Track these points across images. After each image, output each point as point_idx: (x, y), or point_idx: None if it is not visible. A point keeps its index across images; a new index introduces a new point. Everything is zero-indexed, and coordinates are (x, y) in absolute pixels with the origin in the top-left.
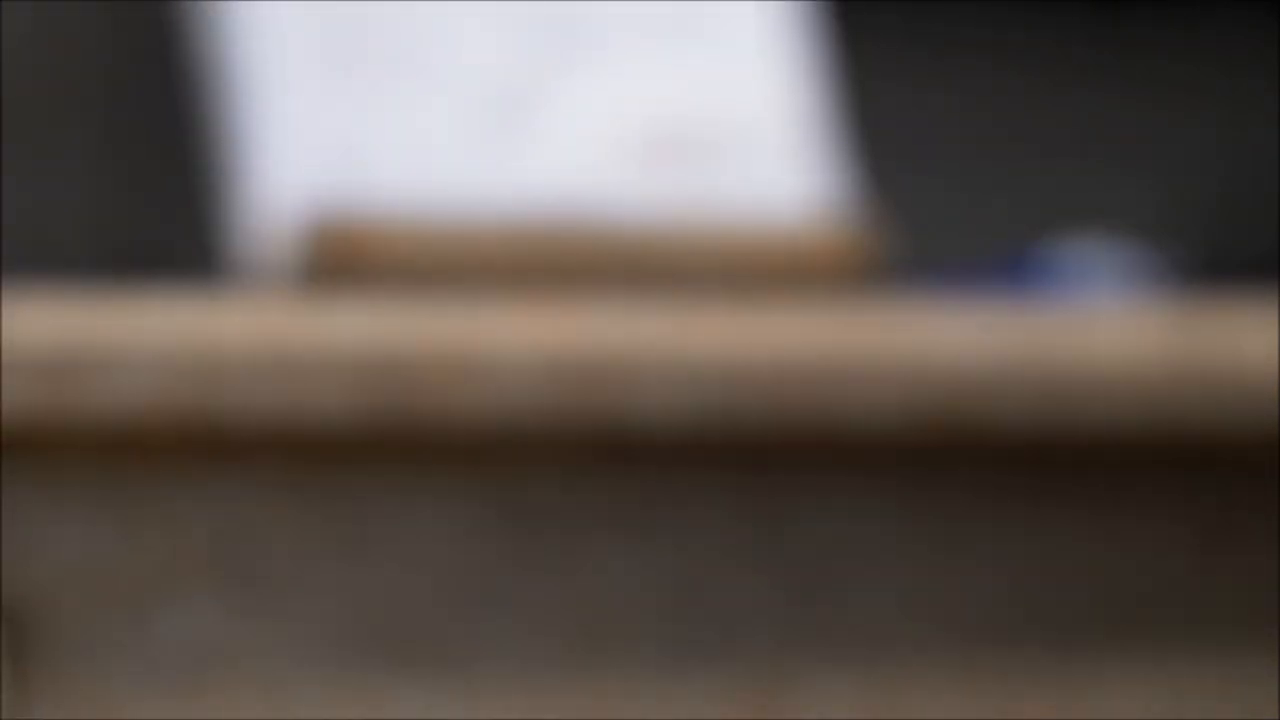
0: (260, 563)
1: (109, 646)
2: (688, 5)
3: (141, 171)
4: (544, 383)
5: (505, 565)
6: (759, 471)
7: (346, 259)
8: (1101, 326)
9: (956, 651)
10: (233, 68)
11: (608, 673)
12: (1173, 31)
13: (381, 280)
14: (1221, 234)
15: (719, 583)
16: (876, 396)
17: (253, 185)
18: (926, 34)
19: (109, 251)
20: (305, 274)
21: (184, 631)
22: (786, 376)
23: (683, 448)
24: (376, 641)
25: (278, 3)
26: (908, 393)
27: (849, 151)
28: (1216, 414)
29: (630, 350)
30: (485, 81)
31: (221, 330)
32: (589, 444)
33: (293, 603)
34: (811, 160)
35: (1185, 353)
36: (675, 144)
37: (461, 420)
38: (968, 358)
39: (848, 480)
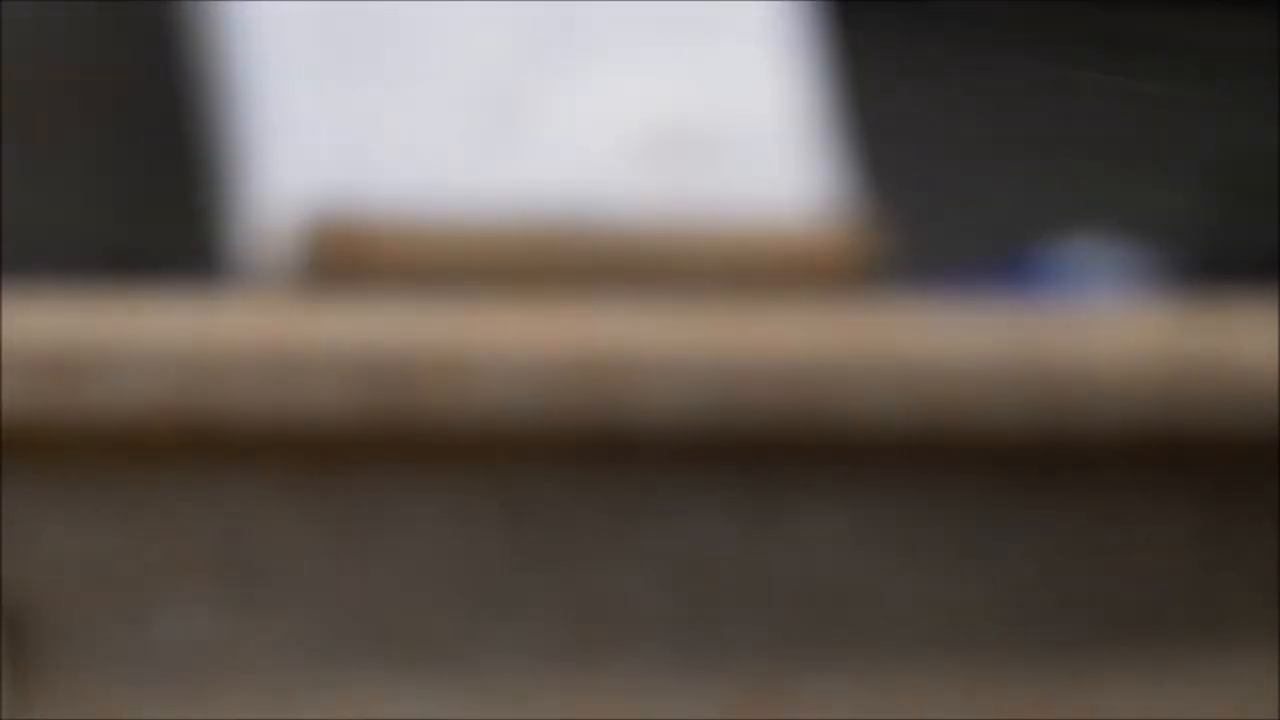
0: (260, 563)
1: (109, 646)
2: (688, 5)
3: (141, 171)
4: (544, 383)
5: (505, 565)
6: (759, 471)
7: (346, 259)
8: (1101, 326)
9: (956, 652)
10: (233, 68)
11: (607, 672)
12: (1172, 32)
13: (381, 280)
14: (1221, 234)
15: (718, 582)
16: (876, 396)
17: (253, 185)
18: (926, 34)
19: (109, 251)
20: (305, 274)
21: (184, 631)
22: (786, 376)
23: (683, 447)
24: (376, 641)
25: (278, 3)
26: (907, 393)
27: (849, 151)
28: (1216, 414)
29: (630, 350)
30: (485, 82)
31: (221, 330)
32: (589, 444)
33: (293, 603)
34: (811, 160)
35: (1185, 353)
36: (675, 144)
37: (461, 420)
38: (967, 358)
39: (847, 480)
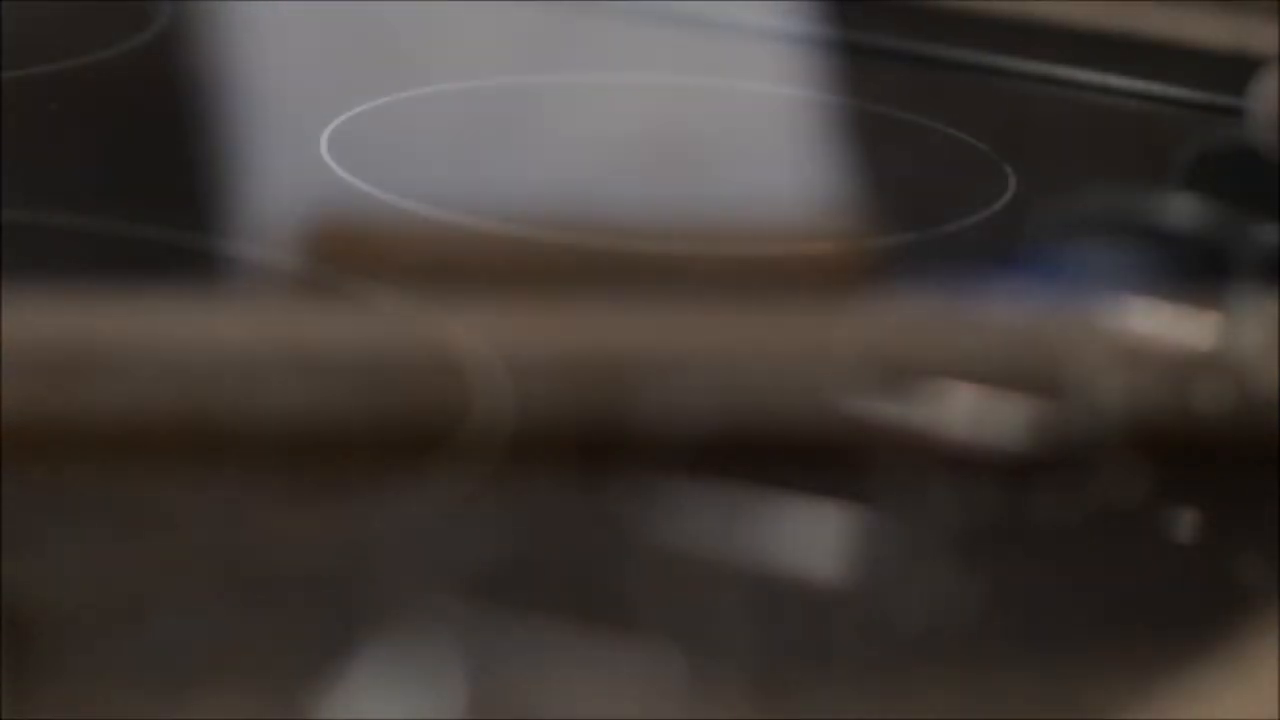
0: (260, 563)
1: (109, 646)
2: (689, 6)
3: (141, 171)
4: (544, 383)
5: (506, 565)
6: (758, 472)
7: (347, 259)
8: (1100, 326)
9: (957, 652)
10: (233, 67)
11: (607, 673)
12: (1170, 30)
13: (382, 280)
14: (1219, 233)
15: (718, 583)
16: (875, 396)
17: (253, 185)
18: (926, 34)
19: (109, 251)
20: (305, 274)
21: (184, 631)
22: (785, 377)
23: (683, 448)
24: (377, 641)
25: (278, 2)
26: (907, 393)
27: (849, 152)
28: (1217, 414)
29: (630, 351)
30: (485, 82)
31: (221, 330)
32: (589, 444)
33: (293, 603)
34: (811, 162)
35: (1184, 352)
36: (676, 146)
37: (461, 420)
38: (967, 358)
39: (846, 480)
